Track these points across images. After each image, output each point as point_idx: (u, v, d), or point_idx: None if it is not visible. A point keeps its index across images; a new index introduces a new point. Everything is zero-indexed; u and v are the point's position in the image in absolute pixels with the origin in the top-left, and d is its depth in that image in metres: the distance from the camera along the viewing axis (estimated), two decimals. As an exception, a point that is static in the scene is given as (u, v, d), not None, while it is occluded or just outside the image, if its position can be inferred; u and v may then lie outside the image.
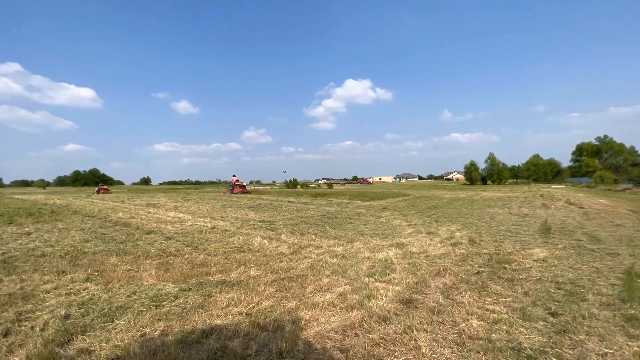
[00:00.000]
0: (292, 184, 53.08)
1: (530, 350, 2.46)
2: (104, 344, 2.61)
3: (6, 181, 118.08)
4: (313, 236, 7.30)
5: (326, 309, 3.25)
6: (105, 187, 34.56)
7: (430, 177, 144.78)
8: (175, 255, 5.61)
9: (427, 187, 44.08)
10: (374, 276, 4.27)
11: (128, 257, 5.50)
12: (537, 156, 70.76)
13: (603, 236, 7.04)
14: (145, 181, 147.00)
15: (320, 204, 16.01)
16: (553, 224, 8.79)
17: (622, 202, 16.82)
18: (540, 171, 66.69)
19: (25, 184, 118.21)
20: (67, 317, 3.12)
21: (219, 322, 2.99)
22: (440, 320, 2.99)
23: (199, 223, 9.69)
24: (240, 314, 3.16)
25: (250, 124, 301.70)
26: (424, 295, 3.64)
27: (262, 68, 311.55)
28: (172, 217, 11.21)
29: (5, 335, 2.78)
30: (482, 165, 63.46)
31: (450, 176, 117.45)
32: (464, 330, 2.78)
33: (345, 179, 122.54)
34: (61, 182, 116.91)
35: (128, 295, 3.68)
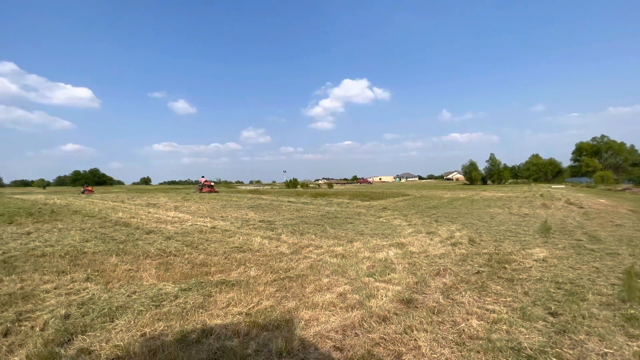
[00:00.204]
0: (292, 183, 53.11)
1: (530, 350, 2.46)
2: (104, 344, 2.61)
3: (6, 181, 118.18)
4: (313, 236, 7.30)
5: (326, 309, 3.25)
6: (90, 188, 36.21)
7: (430, 177, 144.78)
8: (175, 255, 5.61)
9: (427, 187, 44.08)
10: (374, 276, 4.27)
11: (128, 257, 5.50)
12: (536, 156, 70.78)
13: (603, 236, 7.04)
14: (146, 181, 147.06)
15: (320, 204, 16.01)
16: (553, 224, 8.79)
17: (622, 202, 16.83)
18: (540, 171, 66.71)
19: (25, 183, 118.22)
20: (67, 317, 3.12)
21: (218, 321, 2.99)
22: (440, 320, 2.99)
23: (199, 223, 9.69)
24: (240, 313, 3.16)
25: (248, 124, 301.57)
26: (424, 295, 3.64)
27: (258, 68, 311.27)
28: (172, 217, 11.21)
29: (5, 335, 2.78)
30: (482, 165, 63.59)
31: (450, 176, 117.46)
32: (464, 330, 2.78)
33: (345, 179, 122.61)
34: (61, 182, 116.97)
35: (128, 295, 3.68)
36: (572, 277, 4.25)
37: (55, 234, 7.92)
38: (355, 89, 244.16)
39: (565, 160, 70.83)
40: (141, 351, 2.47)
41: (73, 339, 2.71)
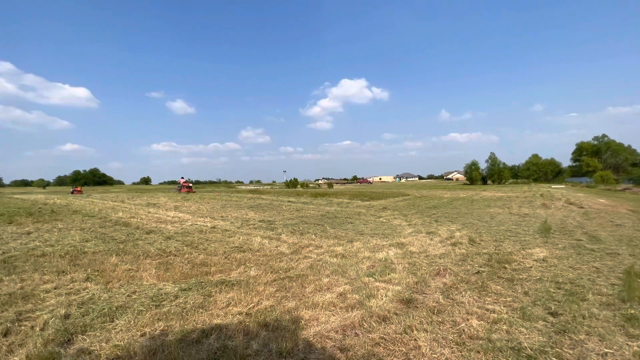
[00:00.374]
0: (292, 183, 53.11)
1: (530, 350, 2.46)
2: (104, 344, 2.61)
3: (6, 181, 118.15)
4: (313, 236, 7.30)
5: (326, 309, 3.25)
6: (79, 188, 38.55)
7: (431, 177, 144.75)
8: (175, 255, 5.61)
9: (427, 187, 44.07)
10: (374, 276, 4.27)
11: (128, 256, 5.50)
12: (536, 156, 70.76)
13: (603, 236, 7.04)
14: (146, 181, 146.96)
15: (320, 204, 16.01)
16: (553, 224, 8.79)
17: (622, 202, 16.82)
18: (540, 171, 66.72)
19: (25, 183, 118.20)
20: (67, 316, 3.12)
21: (219, 321, 2.99)
22: (440, 320, 2.99)
23: (199, 223, 9.69)
24: (240, 313, 3.16)
25: (247, 124, 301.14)
26: (424, 295, 3.64)
27: (255, 68, 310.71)
28: (172, 217, 11.21)
29: (5, 335, 2.78)
30: (481, 165, 63.55)
31: (450, 176, 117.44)
32: (464, 330, 2.78)
33: (345, 179, 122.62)
34: (61, 181, 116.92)
35: (128, 295, 3.68)
36: (572, 277, 4.24)
37: (55, 233, 7.92)
38: (353, 89, 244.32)
39: (565, 160, 70.96)
40: (141, 351, 2.47)
41: (73, 339, 2.70)
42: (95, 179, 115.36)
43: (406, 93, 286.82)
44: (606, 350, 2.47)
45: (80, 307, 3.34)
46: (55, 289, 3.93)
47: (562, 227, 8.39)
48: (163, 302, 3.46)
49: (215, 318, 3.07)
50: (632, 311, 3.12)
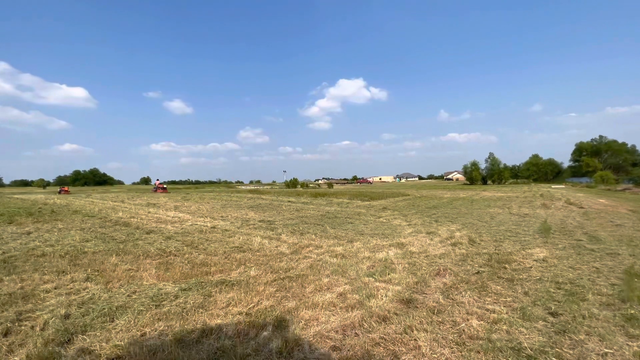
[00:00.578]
0: (292, 183, 53.10)
1: (530, 350, 2.46)
2: (104, 344, 2.61)
3: (6, 181, 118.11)
4: (313, 236, 7.30)
5: (326, 309, 3.25)
6: (66, 188, 39.77)
7: (431, 177, 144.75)
8: (175, 255, 5.61)
9: (427, 187, 44.08)
10: (374, 276, 4.27)
11: (128, 256, 5.50)
12: (536, 156, 70.76)
13: (603, 236, 7.04)
14: (146, 181, 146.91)
15: (320, 204, 16.02)
16: (553, 224, 8.79)
17: (622, 202, 16.83)
18: (540, 171, 66.72)
19: (25, 183, 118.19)
20: (67, 316, 3.12)
21: (219, 321, 2.99)
22: (440, 320, 2.99)
23: (199, 223, 9.70)
24: (240, 313, 3.16)
25: (245, 124, 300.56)
26: (424, 295, 3.64)
27: (253, 68, 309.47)
28: (172, 217, 11.21)
29: (5, 335, 2.78)
30: (481, 165, 63.57)
31: (450, 176, 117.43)
32: (464, 330, 2.78)
33: (345, 179, 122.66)
34: (61, 181, 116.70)
35: (128, 295, 3.68)
36: (572, 277, 4.24)
37: (55, 233, 7.92)
38: (351, 89, 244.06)
39: (564, 160, 70.88)
40: (141, 351, 2.47)
41: (73, 339, 2.71)
42: (96, 179, 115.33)
43: (404, 93, 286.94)
44: (606, 350, 2.47)
45: (80, 307, 3.34)
46: (55, 289, 3.93)
47: (562, 227, 8.39)
48: (163, 302, 3.46)
49: (215, 318, 3.07)
50: (632, 311, 3.12)
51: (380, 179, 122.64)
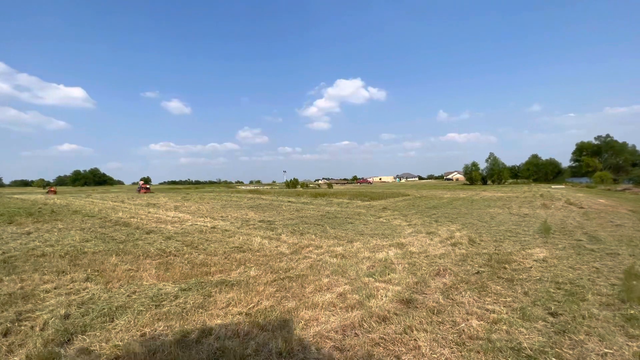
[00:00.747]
0: (292, 183, 53.10)
1: (530, 350, 2.46)
2: (103, 344, 2.61)
3: (6, 181, 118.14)
4: (313, 236, 7.30)
5: (326, 309, 3.25)
6: (53, 189, 40.37)
7: (431, 177, 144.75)
8: (175, 255, 5.61)
9: (427, 187, 44.08)
10: (373, 276, 4.27)
11: (128, 256, 5.50)
12: (536, 156, 70.74)
13: (603, 236, 7.04)
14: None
15: (320, 204, 16.01)
16: (553, 224, 8.79)
17: (622, 202, 16.82)
18: (540, 171, 66.67)
19: (25, 183, 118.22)
20: (67, 316, 3.12)
21: (218, 321, 2.99)
22: (440, 320, 2.99)
23: (199, 223, 9.69)
24: (240, 313, 3.16)
25: (244, 124, 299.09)
26: (423, 295, 3.64)
27: (249, 67, 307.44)
28: (172, 217, 11.21)
29: (5, 335, 2.78)
30: (481, 165, 63.58)
31: (450, 176, 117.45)
32: (463, 330, 2.78)
33: (345, 179, 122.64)
34: (61, 182, 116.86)
35: (128, 295, 3.68)
36: (572, 277, 4.24)
37: (55, 234, 7.92)
38: (349, 89, 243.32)
39: (564, 160, 70.90)
40: (141, 351, 2.47)
41: (73, 339, 2.71)
42: (96, 179, 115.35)
43: (403, 93, 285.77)
44: (606, 350, 2.47)
45: (80, 307, 3.34)
46: (55, 289, 3.93)
47: (562, 227, 8.39)
48: (163, 302, 3.46)
49: (215, 318, 3.07)
50: (632, 311, 3.12)
51: (380, 179, 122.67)
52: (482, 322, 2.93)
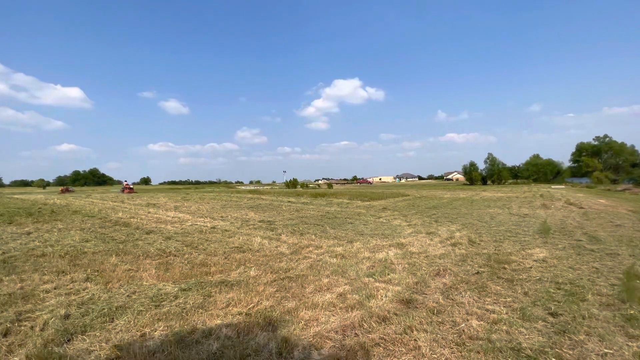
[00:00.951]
0: (292, 184, 53.10)
1: (530, 350, 2.46)
2: (103, 344, 2.61)
3: (5, 181, 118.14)
4: (313, 236, 7.30)
5: (326, 309, 3.25)
6: (67, 188, 42.15)
7: (430, 177, 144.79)
8: (175, 255, 5.61)
9: (427, 187, 44.10)
10: (373, 276, 4.27)
11: (128, 257, 5.50)
12: (536, 156, 70.75)
13: (603, 236, 7.04)
14: (145, 181, 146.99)
15: (320, 204, 16.02)
16: (553, 224, 8.80)
17: (622, 202, 16.83)
18: (540, 171, 66.69)
19: (24, 183, 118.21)
20: (67, 317, 3.12)
21: (218, 322, 2.99)
22: (440, 320, 2.99)
23: (198, 223, 9.70)
24: (240, 313, 3.16)
25: (242, 124, 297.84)
26: (423, 295, 3.64)
27: (246, 67, 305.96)
28: (172, 217, 11.21)
29: (5, 335, 2.78)
30: (480, 165, 63.66)
31: (450, 176, 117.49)
32: (463, 331, 2.78)
33: (345, 179, 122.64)
34: (61, 182, 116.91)
35: (128, 295, 3.68)
36: (572, 277, 4.25)
37: (55, 234, 7.92)
38: (347, 89, 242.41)
39: (564, 160, 70.82)
40: (141, 351, 2.47)
41: (73, 339, 2.71)
42: (95, 179, 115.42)
43: (401, 93, 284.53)
44: (606, 350, 2.47)
45: (80, 307, 3.34)
46: (55, 289, 3.93)
47: (562, 227, 8.39)
48: (163, 302, 3.46)
49: (215, 318, 3.07)
50: (632, 311, 3.12)
51: (380, 179, 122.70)
52: (482, 322, 2.93)
